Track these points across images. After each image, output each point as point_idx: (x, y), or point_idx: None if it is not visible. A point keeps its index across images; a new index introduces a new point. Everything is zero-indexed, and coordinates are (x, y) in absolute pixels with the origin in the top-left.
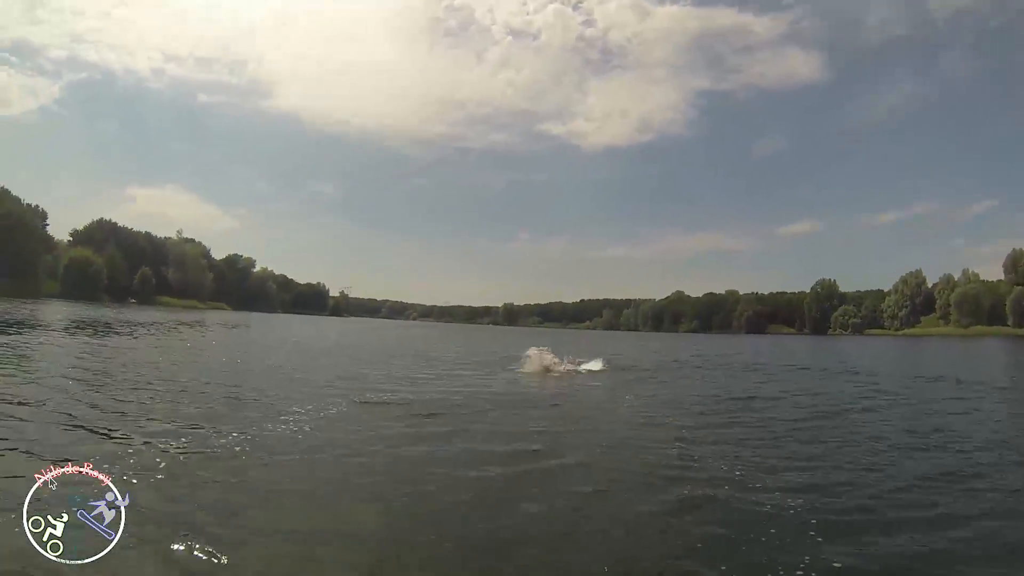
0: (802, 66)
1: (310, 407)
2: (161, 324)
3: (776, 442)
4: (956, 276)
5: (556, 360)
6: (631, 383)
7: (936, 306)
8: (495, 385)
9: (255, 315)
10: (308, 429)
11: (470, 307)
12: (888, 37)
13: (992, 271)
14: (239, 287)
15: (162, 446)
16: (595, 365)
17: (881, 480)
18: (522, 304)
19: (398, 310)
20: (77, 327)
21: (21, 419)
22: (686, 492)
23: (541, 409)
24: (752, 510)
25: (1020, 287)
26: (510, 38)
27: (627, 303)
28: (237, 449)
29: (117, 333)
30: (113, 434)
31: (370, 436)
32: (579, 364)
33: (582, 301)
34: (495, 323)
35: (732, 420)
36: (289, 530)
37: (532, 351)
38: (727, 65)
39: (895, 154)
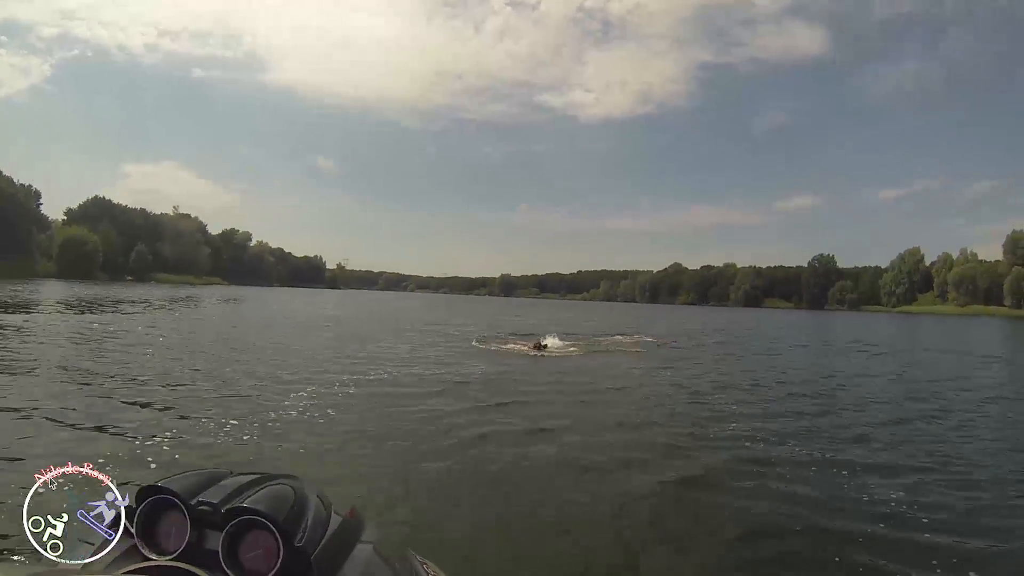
0: (806, 40)
1: (313, 389)
2: (155, 302)
3: (851, 425)
4: (954, 255)
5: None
6: (675, 360)
7: (934, 284)
8: (525, 362)
9: (251, 290)
10: (312, 415)
11: (467, 278)
12: (894, 12)
13: (991, 251)
14: (236, 262)
15: (166, 439)
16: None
17: (962, 463)
18: (519, 275)
19: (395, 281)
20: (72, 308)
21: (20, 418)
22: (771, 477)
23: (580, 389)
24: (840, 495)
25: (1019, 268)
26: (509, 8)
27: (624, 275)
28: (244, 438)
29: (112, 313)
30: (113, 432)
31: (397, 419)
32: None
33: (579, 272)
34: (492, 294)
35: (795, 400)
36: None
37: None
38: (729, 38)
39: (897, 131)
